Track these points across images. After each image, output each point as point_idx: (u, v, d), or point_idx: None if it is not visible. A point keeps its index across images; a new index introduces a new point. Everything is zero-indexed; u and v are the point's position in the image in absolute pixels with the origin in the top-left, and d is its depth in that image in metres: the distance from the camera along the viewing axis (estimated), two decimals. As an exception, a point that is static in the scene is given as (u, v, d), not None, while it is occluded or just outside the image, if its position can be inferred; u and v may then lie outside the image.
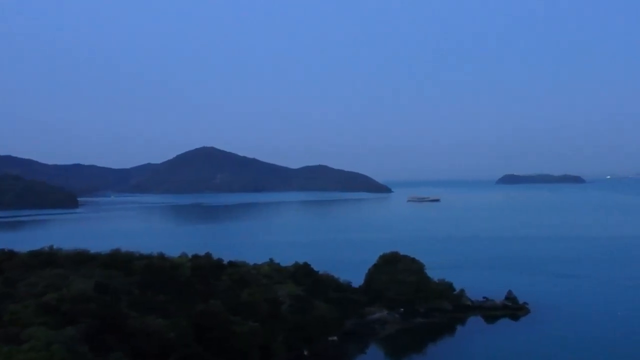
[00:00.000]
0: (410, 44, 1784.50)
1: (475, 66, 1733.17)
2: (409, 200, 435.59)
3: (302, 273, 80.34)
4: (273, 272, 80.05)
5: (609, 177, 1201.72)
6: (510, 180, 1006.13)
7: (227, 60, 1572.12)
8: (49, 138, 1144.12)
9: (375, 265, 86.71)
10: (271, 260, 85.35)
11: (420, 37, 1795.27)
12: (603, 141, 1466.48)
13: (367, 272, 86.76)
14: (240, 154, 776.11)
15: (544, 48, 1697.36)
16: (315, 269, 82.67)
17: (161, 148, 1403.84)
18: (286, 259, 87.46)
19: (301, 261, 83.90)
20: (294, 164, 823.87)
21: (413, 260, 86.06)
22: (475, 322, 77.84)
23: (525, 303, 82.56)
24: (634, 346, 64.87)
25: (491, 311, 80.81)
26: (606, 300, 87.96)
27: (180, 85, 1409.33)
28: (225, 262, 79.85)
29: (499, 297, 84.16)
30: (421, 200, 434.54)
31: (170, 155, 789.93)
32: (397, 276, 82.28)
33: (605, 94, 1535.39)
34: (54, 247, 74.33)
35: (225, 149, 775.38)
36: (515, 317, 78.58)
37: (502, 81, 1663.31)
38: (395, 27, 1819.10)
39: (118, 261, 69.55)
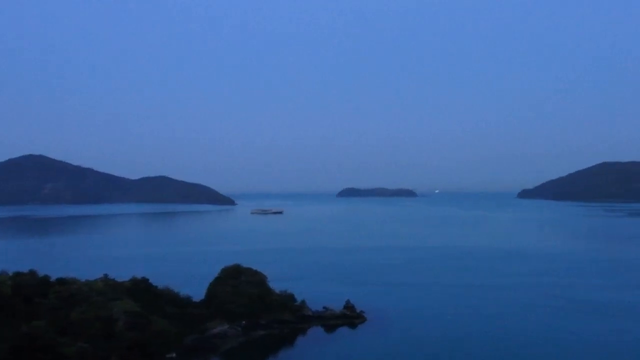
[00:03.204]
0: (248, 61, 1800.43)
1: (321, 84, 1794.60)
2: (252, 213, 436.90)
3: (140, 288, 76.34)
4: (107, 288, 74.94)
5: (437, 191, 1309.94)
6: (350, 193, 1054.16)
7: (61, 61, 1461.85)
8: None
9: (216, 278, 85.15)
10: (105, 275, 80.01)
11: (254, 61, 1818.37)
12: (433, 158, 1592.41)
13: (208, 285, 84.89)
14: (74, 162, 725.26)
15: (381, 65, 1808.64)
16: (155, 283, 79.08)
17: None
18: (123, 274, 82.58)
19: (139, 276, 79.75)
20: (133, 174, 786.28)
21: (255, 272, 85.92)
22: (315, 331, 79.49)
23: (362, 311, 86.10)
24: (460, 344, 70.44)
25: (330, 320, 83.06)
26: (437, 304, 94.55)
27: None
28: (52, 279, 73.48)
29: (338, 306, 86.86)
30: (264, 212, 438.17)
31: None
32: (239, 289, 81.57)
33: (436, 113, 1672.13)
34: None
35: (57, 158, 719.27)
36: (353, 325, 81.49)
37: (342, 98, 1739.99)
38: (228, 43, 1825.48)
39: None
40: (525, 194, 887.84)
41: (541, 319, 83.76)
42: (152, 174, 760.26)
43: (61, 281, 73.20)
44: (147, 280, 78.69)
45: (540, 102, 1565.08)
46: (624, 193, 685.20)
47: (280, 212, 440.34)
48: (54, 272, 78.18)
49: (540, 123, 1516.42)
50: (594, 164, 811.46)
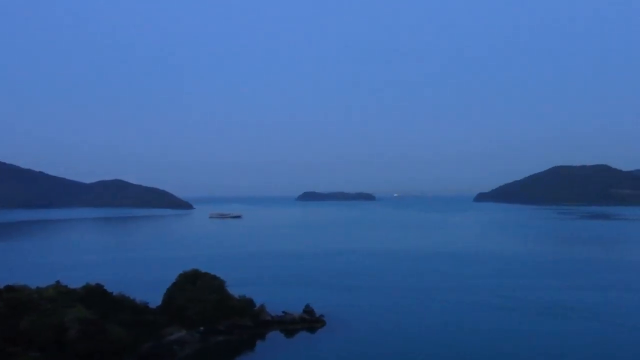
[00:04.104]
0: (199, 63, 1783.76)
1: (282, 89, 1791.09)
2: (210, 217, 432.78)
3: (94, 295, 74.16)
4: (59, 295, 72.50)
5: (396, 195, 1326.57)
6: (309, 197, 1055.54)
7: (6, 61, 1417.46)
8: None
9: (174, 284, 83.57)
10: (58, 282, 77.46)
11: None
12: (392, 163, 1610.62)
13: (165, 291, 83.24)
14: (24, 166, 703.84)
15: (339, 70, 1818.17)
16: (110, 290, 77.00)
17: None
18: (76, 281, 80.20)
19: (93, 282, 77.54)
20: (88, 178, 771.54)
21: (214, 277, 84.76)
22: (274, 336, 78.90)
23: (322, 315, 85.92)
24: (418, 346, 71.05)
25: (290, 325, 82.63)
26: (395, 307, 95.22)
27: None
28: (0, 286, 70.68)
29: (297, 310, 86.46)
30: (223, 216, 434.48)
31: None
32: (197, 294, 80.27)
33: (395, 119, 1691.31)
34: None
35: (5, 160, 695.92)
36: (312, 330, 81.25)
37: (302, 103, 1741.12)
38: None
39: None
40: (481, 197, 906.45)
41: (495, 320, 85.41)
42: (107, 178, 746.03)
43: (10, 288, 70.45)
44: (102, 286, 76.56)
45: (494, 108, 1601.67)
46: (575, 196, 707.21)
47: (239, 217, 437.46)
48: (2, 279, 75.63)
49: (495, 128, 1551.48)
50: (546, 168, 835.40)
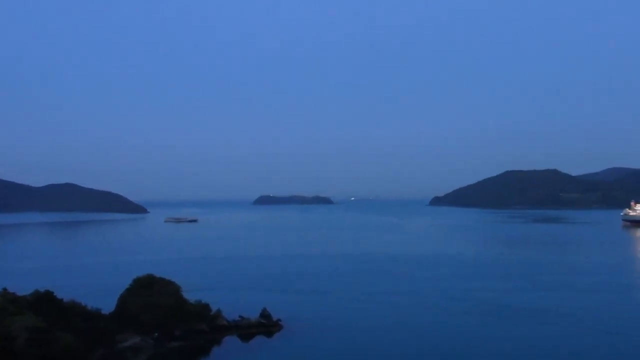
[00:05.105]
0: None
1: (235, 91, 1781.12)
2: (166, 221, 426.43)
3: (43, 302, 72.14)
4: (6, 302, 70.20)
5: (353, 198, 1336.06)
6: (266, 201, 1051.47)
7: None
8: None
9: (128, 289, 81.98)
10: (5, 289, 74.97)
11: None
12: (349, 166, 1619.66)
13: (119, 297, 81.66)
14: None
15: (295, 73, 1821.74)
16: (60, 297, 74.98)
17: None
18: (24, 288, 77.78)
19: (42, 289, 75.38)
20: (37, 181, 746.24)
21: (169, 282, 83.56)
22: (231, 341, 78.43)
23: (279, 320, 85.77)
24: (374, 350, 71.73)
25: (247, 329, 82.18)
26: (351, 311, 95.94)
27: None
28: (-56, 294, 68.07)
29: (254, 315, 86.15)
30: (178, 220, 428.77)
31: None
32: (152, 299, 79.04)
33: (350, 122, 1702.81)
34: None
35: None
36: (269, 334, 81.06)
37: (255, 106, 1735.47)
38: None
39: None
40: (436, 201, 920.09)
41: (449, 322, 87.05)
42: (58, 181, 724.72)
43: (-46, 296, 68.02)
44: (52, 293, 74.48)
45: (450, 113, 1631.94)
46: (527, 200, 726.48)
47: (195, 221, 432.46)
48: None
49: (449, 133, 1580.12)
50: (499, 173, 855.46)
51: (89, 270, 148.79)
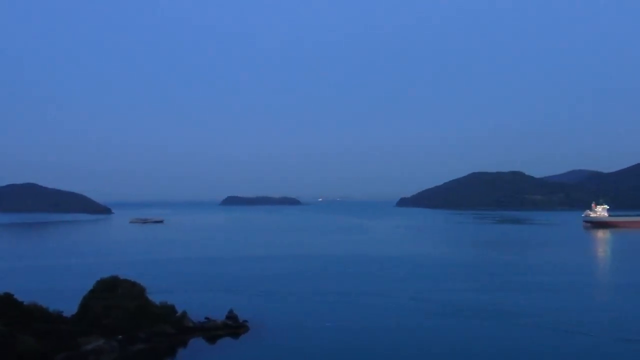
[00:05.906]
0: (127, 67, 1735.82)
1: (203, 91, 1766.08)
2: (131, 222, 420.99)
3: (2, 305, 70.41)
4: (-36, 305, 68.52)
5: (320, 199, 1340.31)
6: (233, 201, 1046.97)
7: None
8: None
9: (91, 291, 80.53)
10: (-38, 292, 73.12)
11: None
12: (316, 167, 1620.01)
13: (81, 299, 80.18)
14: None
15: (263, 74, 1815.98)
16: (20, 299, 73.33)
17: None
18: (-17, 290, 75.77)
19: (1, 291, 73.59)
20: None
21: (134, 283, 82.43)
22: (196, 343, 77.74)
23: (245, 321, 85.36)
24: (341, 351, 72.06)
25: (213, 331, 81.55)
26: (319, 313, 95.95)
27: None
28: None
29: (220, 316, 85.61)
30: (144, 221, 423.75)
31: None
32: (116, 302, 77.84)
33: (317, 123, 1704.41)
34: None
35: None
36: (236, 335, 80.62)
37: (222, 106, 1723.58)
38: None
39: None
40: (403, 202, 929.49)
41: (416, 323, 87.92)
42: (18, 181, 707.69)
43: None
44: (11, 295, 72.80)
45: (417, 113, 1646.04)
46: (492, 201, 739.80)
47: (161, 222, 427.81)
48: None
49: (417, 133, 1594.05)
50: (466, 174, 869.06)
51: (51, 273, 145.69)
